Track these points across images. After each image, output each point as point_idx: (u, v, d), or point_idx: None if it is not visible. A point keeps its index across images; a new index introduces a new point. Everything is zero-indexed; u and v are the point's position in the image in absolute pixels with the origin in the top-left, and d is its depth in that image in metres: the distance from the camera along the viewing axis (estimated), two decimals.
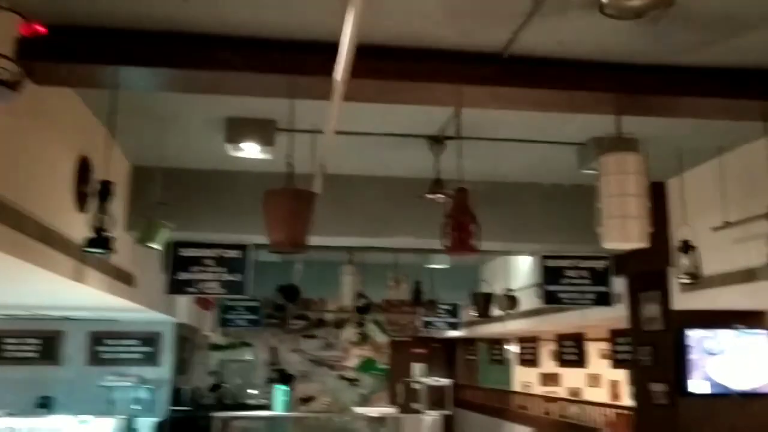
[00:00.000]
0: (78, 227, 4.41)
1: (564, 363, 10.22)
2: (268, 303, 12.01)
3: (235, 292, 6.40)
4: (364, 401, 14.53)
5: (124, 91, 3.93)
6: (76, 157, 4.56)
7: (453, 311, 11.64)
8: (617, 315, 7.26)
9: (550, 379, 15.05)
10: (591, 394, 14.38)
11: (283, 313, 12.61)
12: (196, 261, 6.36)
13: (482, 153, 5.52)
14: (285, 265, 10.17)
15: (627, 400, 14.46)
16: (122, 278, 5.88)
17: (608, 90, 3.86)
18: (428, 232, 6.48)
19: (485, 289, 9.34)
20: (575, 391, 14.98)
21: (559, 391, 14.61)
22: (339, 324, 15.10)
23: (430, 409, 11.08)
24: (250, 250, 6.43)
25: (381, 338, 15.35)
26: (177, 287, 6.37)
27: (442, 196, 5.17)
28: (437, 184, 5.21)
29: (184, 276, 6.36)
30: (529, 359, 11.78)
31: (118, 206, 5.69)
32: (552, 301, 6.69)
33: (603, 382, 15.28)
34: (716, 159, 5.59)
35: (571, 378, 14.87)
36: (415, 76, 3.71)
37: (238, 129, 4.88)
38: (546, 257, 6.73)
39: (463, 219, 3.78)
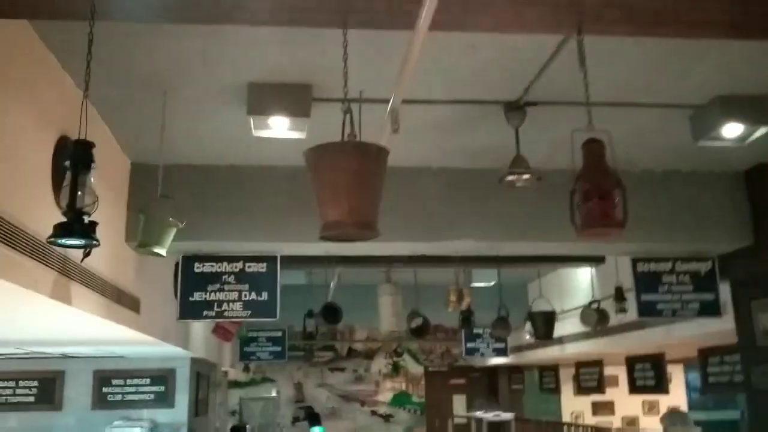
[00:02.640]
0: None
1: (638, 389, 8.90)
2: (294, 332, 10.79)
3: (262, 315, 5.20)
4: None
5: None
6: (54, 137, 3.45)
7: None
8: (718, 329, 6.03)
9: (602, 407, 13.68)
10: (648, 423, 13.05)
11: (311, 343, 11.37)
12: (214, 277, 5.19)
13: (560, 129, 4.28)
14: (309, 288, 9.07)
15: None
16: (125, 302, 4.74)
17: None
18: (491, 233, 5.33)
19: (544, 307, 8.11)
20: (632, 420, 13.63)
21: (614, 421, 13.30)
22: (369, 354, 13.85)
23: None
24: (277, 262, 5.27)
25: (415, 368, 14.09)
26: (192, 311, 5.19)
27: (528, 176, 4.03)
28: (519, 162, 4.07)
29: (199, 297, 5.20)
30: (590, 386, 10.45)
31: (116, 209, 4.62)
32: (648, 312, 5.45)
33: (661, 408, 13.94)
34: None
35: (626, 405, 13.50)
36: None
37: (263, 97, 3.78)
38: (638, 260, 5.51)
39: (602, 182, 2.58)
